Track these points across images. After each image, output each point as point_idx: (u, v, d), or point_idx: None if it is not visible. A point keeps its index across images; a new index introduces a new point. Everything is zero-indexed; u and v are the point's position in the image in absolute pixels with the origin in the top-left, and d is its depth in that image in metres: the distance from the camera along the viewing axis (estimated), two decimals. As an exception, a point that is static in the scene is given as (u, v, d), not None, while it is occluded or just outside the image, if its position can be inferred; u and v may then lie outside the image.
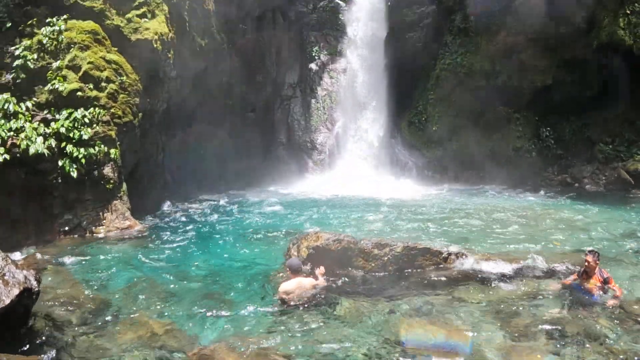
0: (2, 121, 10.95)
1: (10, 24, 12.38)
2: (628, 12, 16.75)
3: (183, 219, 15.60)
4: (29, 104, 11.93)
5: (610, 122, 17.95)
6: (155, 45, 16.54)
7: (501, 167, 20.37)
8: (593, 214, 13.90)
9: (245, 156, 23.03)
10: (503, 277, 8.55)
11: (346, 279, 8.50)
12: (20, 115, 11.44)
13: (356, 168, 25.33)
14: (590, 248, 8.59)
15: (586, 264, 7.91)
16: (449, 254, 9.04)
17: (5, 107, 11.26)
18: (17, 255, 10.38)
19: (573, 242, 11.09)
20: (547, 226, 12.60)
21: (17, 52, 12.23)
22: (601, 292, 7.78)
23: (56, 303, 7.95)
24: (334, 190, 20.90)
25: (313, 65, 26.48)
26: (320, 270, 8.32)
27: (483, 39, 21.68)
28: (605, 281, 7.84)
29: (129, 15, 15.51)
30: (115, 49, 14.91)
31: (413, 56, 25.11)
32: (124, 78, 15.03)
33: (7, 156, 10.84)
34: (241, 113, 23.99)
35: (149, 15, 16.33)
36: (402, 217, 14.13)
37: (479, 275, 8.66)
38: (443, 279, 8.45)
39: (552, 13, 19.02)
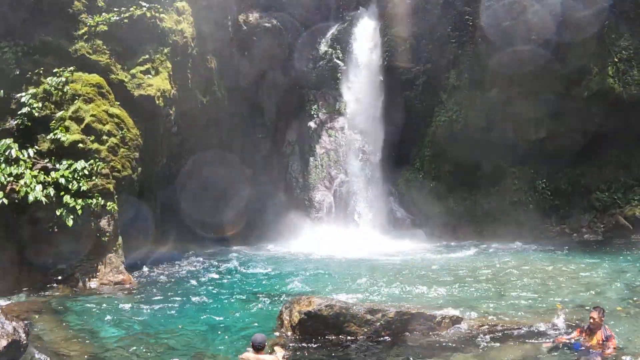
0: (3, 165, 11.05)
1: (18, 72, 12.76)
2: (616, 60, 17.37)
3: (177, 275, 15.35)
4: (30, 151, 12.11)
5: (605, 169, 18.17)
6: (157, 102, 16.91)
7: (499, 221, 20.34)
8: (593, 265, 13.72)
9: (242, 213, 23.00)
10: (499, 340, 8.40)
11: (338, 346, 8.36)
12: (21, 162, 11.57)
13: (354, 227, 25.24)
14: (596, 305, 8.37)
15: (591, 320, 7.71)
16: (443, 318, 8.88)
17: (7, 153, 11.40)
18: (7, 301, 10.16)
19: (573, 296, 10.87)
20: (546, 282, 12.37)
21: (23, 99, 12.54)
22: (601, 351, 7.49)
23: (44, 354, 7.68)
24: (332, 250, 20.63)
25: (312, 124, 26.92)
26: (280, 350, 8.00)
27: (477, 95, 22.23)
28: (607, 338, 7.58)
29: (133, 71, 15.96)
30: (118, 103, 15.26)
31: (409, 114, 25.67)
32: (125, 132, 15.26)
33: (5, 200, 10.86)
34: (239, 169, 24.19)
35: (153, 72, 16.78)
36: (400, 277, 13.89)
37: (475, 340, 8.48)
38: (437, 344, 8.32)
39: (544, 66, 19.66)
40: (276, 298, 11.98)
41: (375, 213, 25.43)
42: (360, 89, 27.05)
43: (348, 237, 23.50)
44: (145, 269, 15.35)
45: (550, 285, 11.94)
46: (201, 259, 17.86)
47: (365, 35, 26.30)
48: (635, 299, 10.45)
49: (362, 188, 26.32)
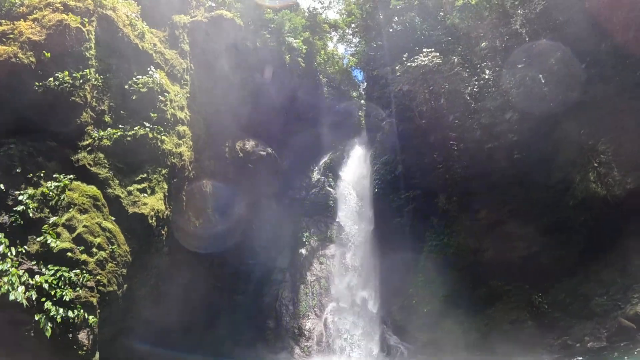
0: (-11, 258, 10.83)
1: (20, 169, 13.10)
2: (596, 164, 18.12)
3: None
4: (19, 249, 11.91)
5: (602, 273, 17.86)
6: (150, 221, 17.05)
7: (499, 342, 19.37)
8: None
9: (233, 341, 21.94)
10: None
11: None
12: (8, 259, 11.32)
13: (346, 356, 24.03)
14: None
15: None
16: None
17: (-4, 246, 11.25)
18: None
19: None
20: None
21: (20, 197, 12.69)
22: None
23: None
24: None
25: (303, 251, 27.00)
26: None
27: (467, 218, 22.66)
28: None
29: (130, 188, 16.33)
30: (113, 218, 15.39)
31: (401, 240, 25.80)
32: (115, 247, 15.20)
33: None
34: (229, 295, 23.61)
35: (149, 191, 17.14)
36: None
37: None
38: None
39: (528, 181, 20.43)
40: None
41: (368, 342, 24.41)
42: (351, 216, 27.64)
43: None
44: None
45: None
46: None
47: (356, 163, 27.63)
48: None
49: (354, 316, 25.54)
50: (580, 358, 15.80)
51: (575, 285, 18.55)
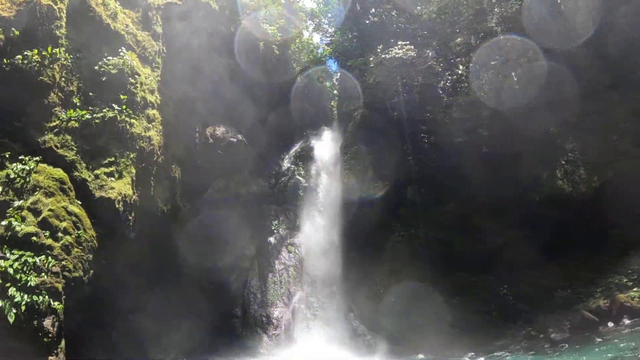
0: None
1: None
2: (563, 162, 18.80)
3: None
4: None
5: (566, 268, 18.62)
6: (117, 206, 16.69)
7: (464, 332, 19.92)
8: None
9: (197, 328, 21.71)
10: None
11: None
12: (-31, 244, 10.88)
13: (313, 344, 24.17)
14: None
15: None
16: None
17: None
18: None
19: None
20: None
21: None
22: None
23: None
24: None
25: (272, 239, 26.85)
26: None
27: (435, 210, 23.04)
28: None
29: (97, 172, 15.92)
30: (79, 202, 14.98)
31: (369, 229, 25.99)
32: (82, 232, 14.84)
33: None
34: (197, 283, 23.31)
35: (116, 175, 16.76)
36: None
37: None
38: None
39: (496, 176, 20.83)
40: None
41: (335, 329, 24.59)
42: (320, 205, 27.65)
43: (307, 355, 22.42)
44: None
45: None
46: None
47: (326, 153, 27.59)
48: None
49: (321, 305, 25.68)
50: (547, 345, 16.39)
51: (539, 278, 19.24)
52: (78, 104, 15.33)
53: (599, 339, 15.27)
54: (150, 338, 19.10)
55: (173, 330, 20.31)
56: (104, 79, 16.08)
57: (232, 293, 24.57)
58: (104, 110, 15.75)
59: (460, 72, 21.64)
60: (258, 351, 22.90)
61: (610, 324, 16.67)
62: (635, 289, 17.15)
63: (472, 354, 18.52)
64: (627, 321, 16.40)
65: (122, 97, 16.59)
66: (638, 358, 11.93)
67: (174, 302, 20.78)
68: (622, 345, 13.74)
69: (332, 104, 28.59)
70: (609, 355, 12.95)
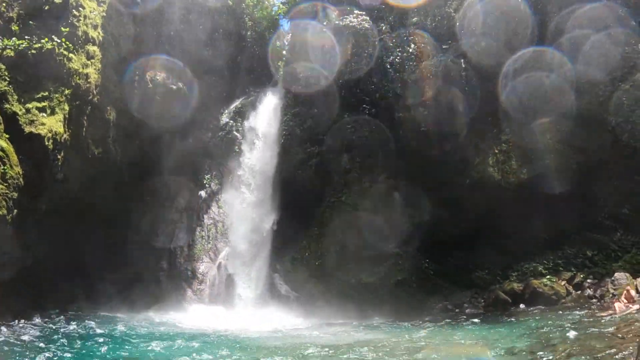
0: None
1: None
2: (497, 151, 20.07)
3: (44, 340, 13.61)
4: None
5: (486, 250, 20.09)
6: (47, 144, 15.83)
7: (384, 300, 21.01)
8: (471, 336, 14.40)
9: (123, 277, 21.27)
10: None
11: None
12: None
13: (236, 300, 24.46)
14: None
15: None
16: None
17: None
18: None
19: None
20: (418, 352, 12.48)
21: None
22: None
23: None
24: (211, 323, 19.70)
25: (203, 193, 26.46)
26: None
27: (367, 180, 23.67)
28: None
29: (29, 105, 14.96)
30: (7, 136, 13.98)
31: (301, 193, 26.28)
32: (7, 168, 13.95)
33: None
34: (124, 232, 22.62)
35: (49, 111, 15.86)
36: (279, 352, 13.58)
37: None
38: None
39: (429, 155, 21.78)
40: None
41: (259, 288, 24.97)
42: (255, 163, 27.46)
43: (229, 311, 22.71)
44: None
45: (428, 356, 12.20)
46: (71, 323, 15.95)
47: (267, 112, 27.27)
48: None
49: (248, 263, 25.88)
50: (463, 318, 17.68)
51: (460, 257, 20.59)
52: (17, 32, 14.06)
53: (510, 318, 16.76)
54: (70, 290, 18.45)
55: (96, 282, 19.74)
56: (46, 8, 14.84)
57: (159, 245, 24.14)
58: (43, 40, 14.53)
59: (411, 50, 22.05)
60: (182, 305, 22.84)
61: (522, 306, 18.24)
62: (548, 277, 18.83)
63: (393, 319, 19.71)
64: (538, 305, 17.87)
65: (63, 29, 15.42)
66: (545, 335, 13.23)
67: (99, 252, 20.05)
68: (532, 324, 15.08)
69: (279, 64, 28.07)
70: (519, 332, 14.27)
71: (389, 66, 22.78)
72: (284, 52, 27.85)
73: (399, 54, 22.34)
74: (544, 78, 19.55)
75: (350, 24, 22.18)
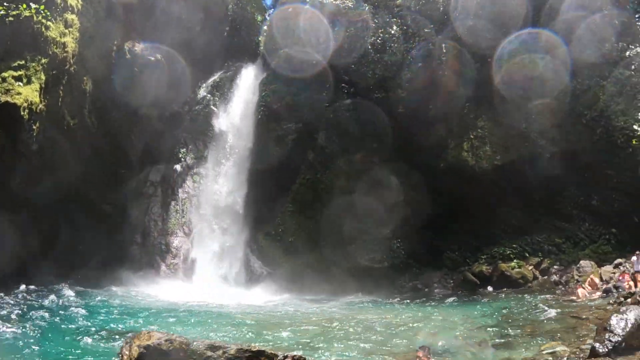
0: None
1: None
2: (472, 136, 20.54)
3: (18, 309, 13.91)
4: None
5: (458, 233, 20.79)
6: (22, 113, 15.50)
7: (356, 278, 21.52)
8: (439, 314, 15.10)
9: (97, 249, 21.13)
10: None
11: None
12: None
13: (210, 275, 24.60)
14: (421, 344, 9.24)
15: (417, 359, 8.46)
16: (285, 357, 8.82)
17: None
18: None
19: (415, 342, 11.45)
20: (393, 331, 13.10)
21: None
22: None
23: None
24: (184, 297, 19.83)
25: (178, 167, 26.26)
26: None
27: (342, 158, 23.91)
28: None
29: (5, 74, 14.71)
30: (-18, 105, 13.60)
31: (276, 169, 26.30)
32: (-19, 138, 13.58)
33: None
34: (98, 204, 22.37)
35: (25, 80, 15.53)
36: (249, 325, 14.04)
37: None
38: (279, 382, 8.40)
39: (406, 137, 22.14)
40: (119, 337, 11.54)
41: (232, 263, 25.15)
42: (232, 138, 27.30)
43: (203, 285, 22.85)
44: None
45: (392, 332, 12.93)
46: (47, 295, 16.03)
47: (245, 87, 27.06)
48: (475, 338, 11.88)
49: (221, 238, 25.97)
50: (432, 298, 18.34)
51: (431, 238, 21.18)
52: (-6, -3, 13.55)
53: (478, 299, 17.53)
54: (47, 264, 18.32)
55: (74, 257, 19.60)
56: (24, -27, 14.27)
57: (133, 219, 23.98)
58: (21, 7, 14.09)
59: (393, 32, 22.15)
60: (155, 280, 22.87)
61: (490, 288, 19.08)
62: (516, 261, 19.65)
63: (364, 296, 20.28)
64: (505, 288, 18.72)
65: (41, -5, 14.91)
66: (511, 316, 14.00)
67: (74, 226, 19.86)
68: (499, 305, 15.87)
69: (260, 39, 27.70)
70: (487, 311, 15.02)
71: (369, 47, 22.85)
72: (265, 27, 27.48)
73: (381, 35, 22.43)
74: (538, 60, 19.73)
75: (333, 2, 22.07)
